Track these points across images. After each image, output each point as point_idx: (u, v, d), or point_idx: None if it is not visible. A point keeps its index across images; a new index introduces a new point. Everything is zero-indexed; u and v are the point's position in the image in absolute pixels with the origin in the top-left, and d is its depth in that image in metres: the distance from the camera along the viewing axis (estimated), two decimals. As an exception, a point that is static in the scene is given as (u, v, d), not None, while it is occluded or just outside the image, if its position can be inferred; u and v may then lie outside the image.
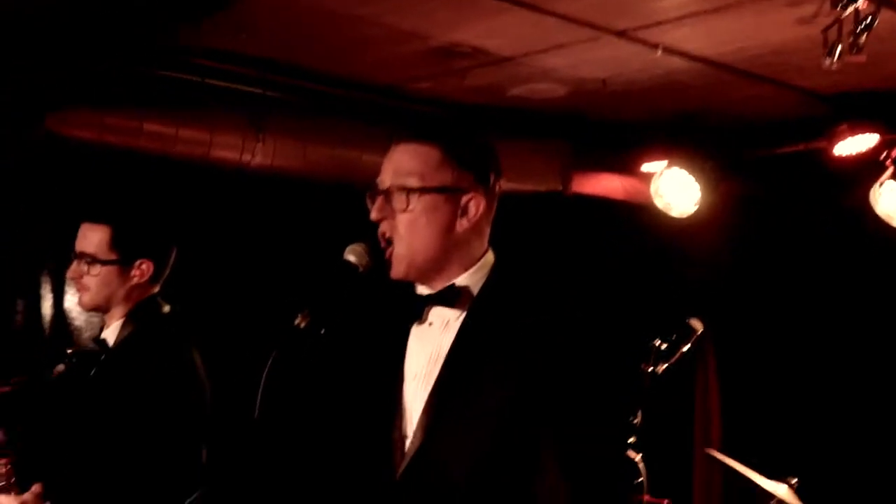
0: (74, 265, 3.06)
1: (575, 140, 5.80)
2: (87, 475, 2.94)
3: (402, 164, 2.28)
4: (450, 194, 2.27)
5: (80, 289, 3.07)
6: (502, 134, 5.56)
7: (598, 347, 2.25)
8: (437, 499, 2.18)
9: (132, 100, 4.75)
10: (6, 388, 2.94)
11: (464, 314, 2.28)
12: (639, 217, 5.82)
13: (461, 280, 2.30)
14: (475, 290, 2.30)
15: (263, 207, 5.31)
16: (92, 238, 3.06)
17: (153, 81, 4.82)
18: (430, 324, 2.31)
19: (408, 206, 2.25)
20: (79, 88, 4.59)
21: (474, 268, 2.32)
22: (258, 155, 4.97)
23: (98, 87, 4.67)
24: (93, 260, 3.03)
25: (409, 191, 2.25)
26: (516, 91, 5.19)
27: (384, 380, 2.30)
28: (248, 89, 5.03)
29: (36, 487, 2.87)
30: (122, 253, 3.07)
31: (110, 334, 3.09)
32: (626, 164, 5.88)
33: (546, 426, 2.18)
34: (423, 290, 2.34)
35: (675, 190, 5.48)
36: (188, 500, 2.29)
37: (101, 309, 3.10)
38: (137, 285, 3.11)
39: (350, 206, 2.60)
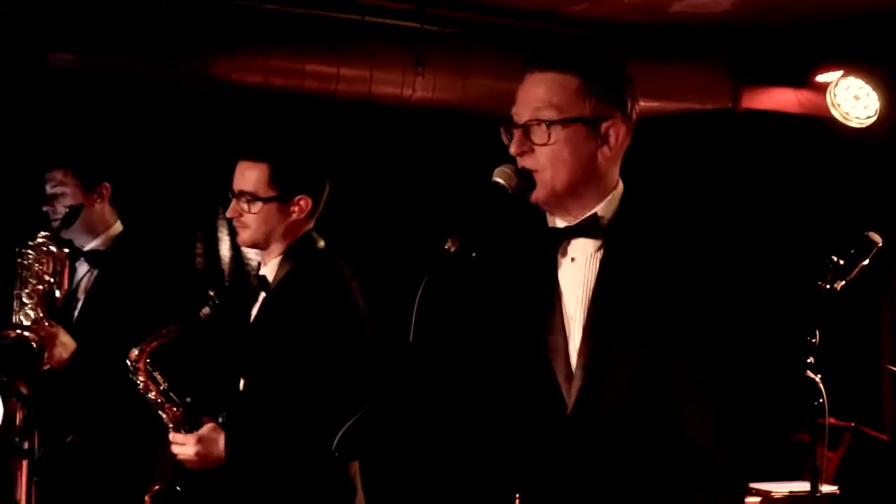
0: (233, 204, 3.08)
1: (743, 54, 5.60)
2: (258, 408, 3.05)
3: (539, 96, 2.22)
4: (590, 124, 2.22)
5: (240, 227, 3.10)
6: (666, 53, 5.44)
7: (749, 267, 2.19)
8: (606, 434, 2.18)
9: (294, 41, 4.84)
10: (162, 339, 3.06)
11: (604, 246, 2.24)
12: (815, 130, 5.59)
13: (600, 210, 2.26)
14: (612, 217, 2.26)
15: (424, 141, 5.36)
16: (250, 176, 3.07)
17: (314, 21, 4.90)
18: (573, 259, 2.27)
19: (549, 139, 2.20)
20: (243, 31, 4.70)
21: (609, 196, 2.27)
22: (418, 89, 5.00)
23: (262, 30, 4.78)
24: (253, 198, 3.05)
25: (548, 123, 2.20)
26: (678, 7, 5.03)
27: (542, 318, 2.28)
28: (407, 24, 5.07)
29: (208, 423, 3.02)
30: (282, 189, 3.07)
31: (269, 271, 3.12)
32: (799, 75, 5.65)
33: (701, 350, 2.15)
34: (558, 221, 2.30)
35: (853, 100, 5.25)
36: (349, 422, 2.34)
37: (259, 246, 3.13)
38: (296, 221, 3.11)
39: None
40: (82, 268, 3.81)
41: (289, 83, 4.80)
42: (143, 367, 3.05)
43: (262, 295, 3.13)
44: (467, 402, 2.38)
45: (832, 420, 4.15)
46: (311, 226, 3.17)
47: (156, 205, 4.78)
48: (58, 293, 3.61)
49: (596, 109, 2.22)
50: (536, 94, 2.23)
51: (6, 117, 4.55)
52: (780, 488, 4.90)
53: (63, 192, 3.76)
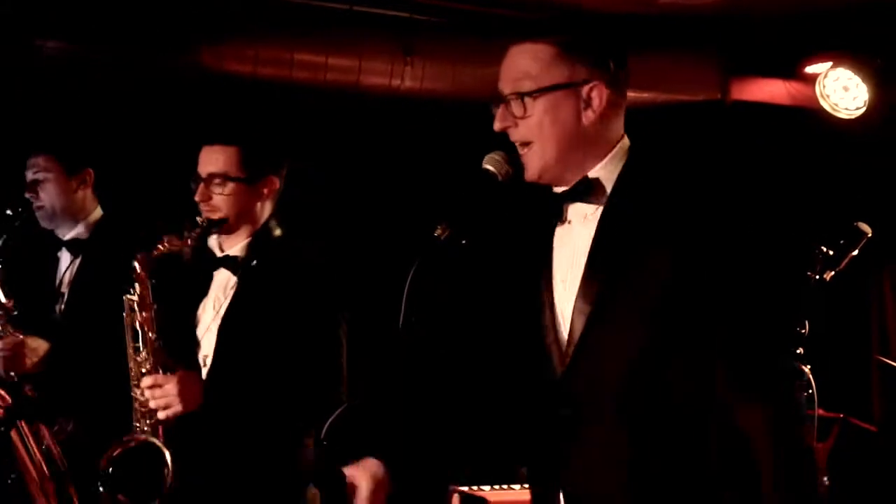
0: (202, 188, 3.08)
1: (732, 45, 5.59)
2: (238, 369, 3.05)
3: (515, 68, 2.23)
4: (568, 89, 2.20)
5: (209, 210, 3.09)
6: (655, 44, 5.42)
7: (748, 232, 2.17)
8: (598, 397, 2.17)
9: (283, 31, 4.83)
10: (162, 251, 3.00)
11: (601, 208, 2.23)
12: (805, 121, 5.59)
13: (594, 172, 2.25)
14: (611, 180, 2.24)
15: (413, 130, 5.35)
16: (220, 158, 3.09)
17: (302, 11, 4.88)
18: (570, 222, 2.27)
19: (525, 111, 2.20)
20: (231, 20, 4.68)
21: (608, 157, 2.26)
22: (407, 79, 4.99)
23: (251, 19, 4.76)
24: (224, 178, 3.07)
25: (523, 96, 2.20)
26: (668, -3, 5.03)
27: (534, 285, 2.28)
28: (396, 14, 5.06)
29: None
30: (251, 171, 3.11)
31: (238, 252, 3.14)
32: (788, 67, 5.65)
33: (699, 313, 2.13)
34: (558, 189, 2.29)
35: (842, 91, 5.25)
36: (335, 414, 2.33)
37: (228, 227, 3.12)
38: (262, 204, 3.15)
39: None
40: (65, 258, 3.78)
41: (277, 73, 4.79)
42: (145, 276, 2.99)
43: (225, 275, 3.13)
44: (458, 386, 2.38)
45: (821, 411, 4.15)
46: (271, 210, 3.20)
47: (142, 191, 4.74)
48: (3, 299, 3.55)
49: (573, 74, 2.20)
50: (516, 67, 2.23)
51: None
52: (768, 479, 4.89)
53: (46, 179, 3.72)
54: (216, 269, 3.15)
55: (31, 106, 4.58)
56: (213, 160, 3.11)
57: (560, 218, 2.28)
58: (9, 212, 3.72)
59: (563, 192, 2.27)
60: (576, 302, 2.20)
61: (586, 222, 2.24)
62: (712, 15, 5.25)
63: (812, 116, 5.53)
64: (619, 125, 2.29)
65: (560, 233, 2.28)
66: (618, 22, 5.07)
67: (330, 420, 2.24)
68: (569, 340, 2.20)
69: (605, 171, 2.25)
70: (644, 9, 5.15)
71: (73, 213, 3.78)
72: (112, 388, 3.22)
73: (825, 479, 4.87)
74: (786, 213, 5.48)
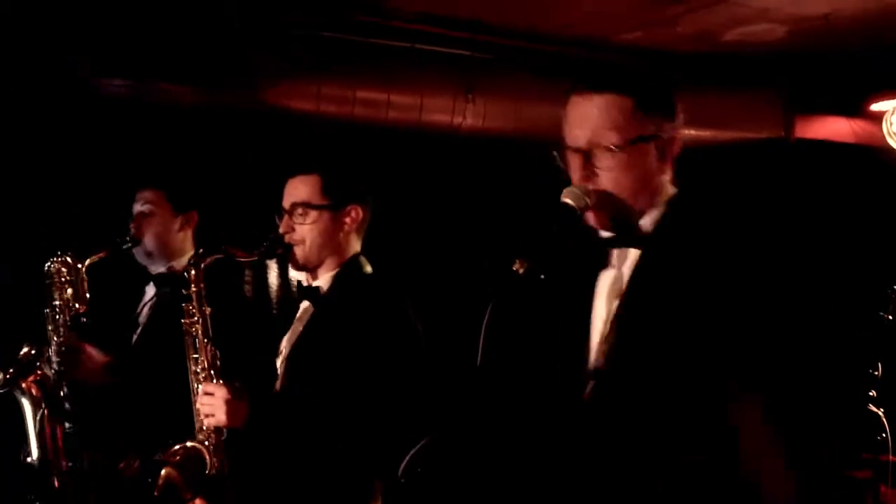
0: (286, 219, 3.07)
1: (796, 83, 5.55)
2: (295, 395, 3.00)
3: (598, 120, 2.21)
4: (650, 142, 2.22)
5: (295, 243, 3.06)
6: (718, 82, 5.40)
7: (792, 279, 2.14)
8: (616, 427, 2.15)
9: (345, 68, 4.84)
10: (236, 256, 3.03)
11: (639, 255, 2.24)
12: (870, 159, 5.52)
13: (641, 221, 2.25)
14: (652, 227, 2.25)
15: (475, 168, 5.33)
16: (303, 188, 3.08)
17: (365, 49, 4.90)
18: (613, 265, 2.28)
19: (614, 162, 2.20)
20: (294, 59, 4.71)
21: (657, 204, 2.26)
22: (469, 117, 4.98)
23: (313, 57, 4.78)
24: (306, 206, 3.05)
25: (612, 148, 2.19)
26: (731, 35, 4.99)
27: (579, 318, 2.28)
28: (458, 52, 5.06)
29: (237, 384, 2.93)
30: (334, 198, 3.08)
31: (323, 284, 3.11)
32: (853, 104, 5.60)
33: (732, 360, 2.09)
34: (604, 233, 2.30)
35: (910, 128, 5.18)
36: (415, 449, 2.28)
37: (312, 263, 3.09)
38: (347, 235, 3.11)
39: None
40: (149, 291, 3.78)
41: (340, 110, 4.80)
42: (198, 279, 3.00)
43: (307, 305, 3.11)
44: (526, 420, 2.35)
45: (892, 458, 4.05)
46: (359, 245, 3.18)
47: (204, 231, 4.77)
48: (77, 306, 3.55)
49: (653, 127, 2.22)
50: (595, 119, 2.22)
51: (56, 141, 4.58)
52: (839, 525, 4.78)
53: (152, 212, 3.74)
54: (301, 300, 3.14)
55: (101, 144, 4.62)
56: (295, 191, 3.09)
57: (608, 259, 2.28)
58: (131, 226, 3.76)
59: (608, 238, 2.28)
60: (602, 337, 2.21)
61: (627, 267, 2.25)
62: (776, 52, 5.22)
63: (877, 154, 5.46)
64: (672, 172, 2.31)
65: (604, 276, 2.29)
66: (682, 60, 5.09)
67: (408, 457, 2.20)
68: (591, 380, 2.20)
69: (648, 219, 2.25)
70: (708, 47, 5.12)
71: (169, 252, 3.77)
72: (178, 422, 3.21)
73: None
74: (855, 253, 5.39)
